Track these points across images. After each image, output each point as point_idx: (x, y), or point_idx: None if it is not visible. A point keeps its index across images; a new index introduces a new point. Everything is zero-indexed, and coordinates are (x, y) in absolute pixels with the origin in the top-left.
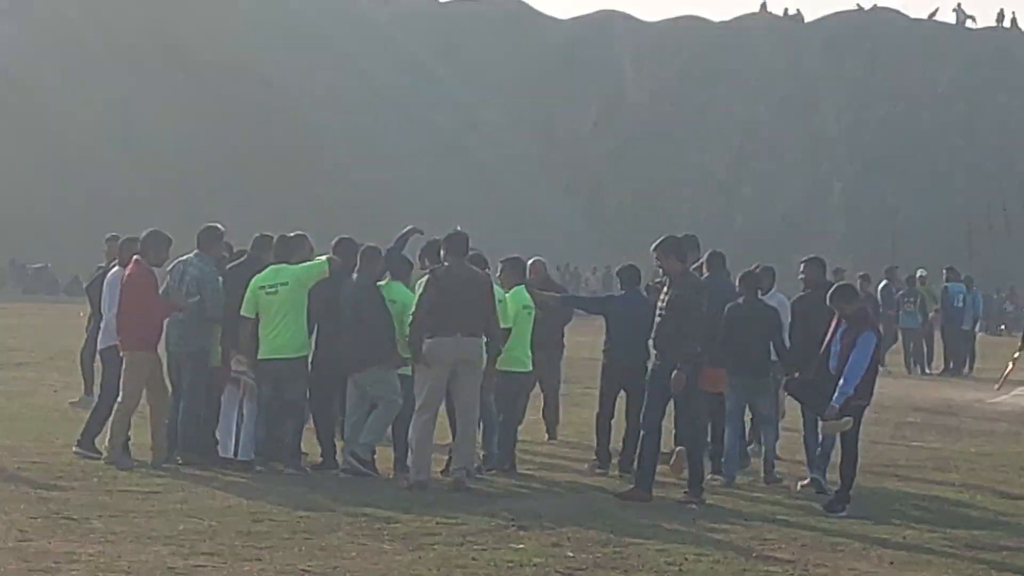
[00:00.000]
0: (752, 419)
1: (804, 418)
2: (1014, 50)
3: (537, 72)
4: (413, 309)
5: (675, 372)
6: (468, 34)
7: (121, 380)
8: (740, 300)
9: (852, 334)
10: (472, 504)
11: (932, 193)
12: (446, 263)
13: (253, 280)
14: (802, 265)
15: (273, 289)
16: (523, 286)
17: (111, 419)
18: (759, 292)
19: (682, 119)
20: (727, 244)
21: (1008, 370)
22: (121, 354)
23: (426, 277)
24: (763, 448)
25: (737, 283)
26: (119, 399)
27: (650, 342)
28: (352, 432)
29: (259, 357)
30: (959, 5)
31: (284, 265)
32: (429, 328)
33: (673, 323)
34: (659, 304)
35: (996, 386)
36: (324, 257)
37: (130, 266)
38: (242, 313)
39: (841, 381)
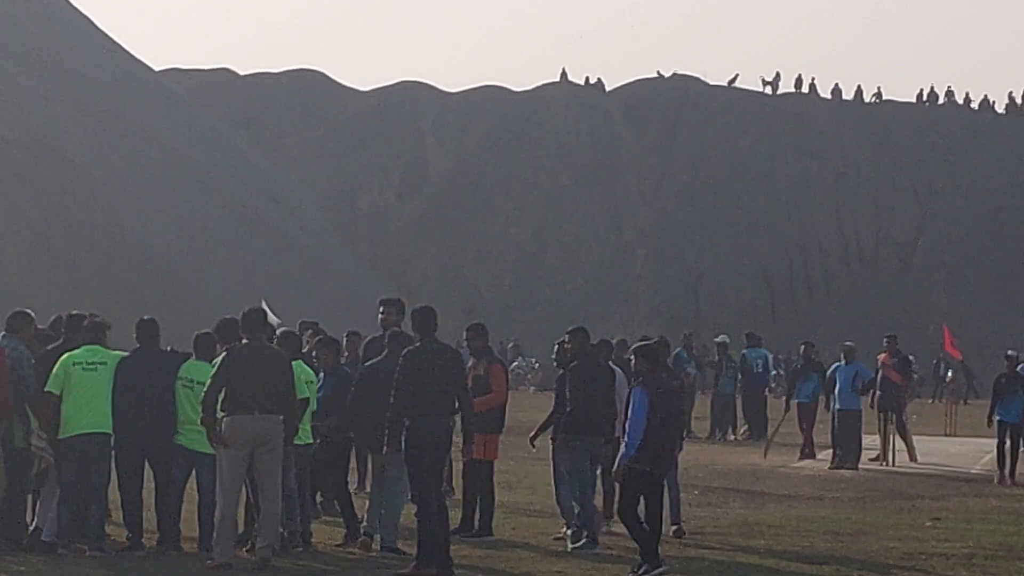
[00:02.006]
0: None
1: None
2: (812, 114)
3: (339, 143)
4: (205, 388)
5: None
6: (268, 106)
7: None
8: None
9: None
10: None
11: (734, 257)
12: (243, 340)
13: (65, 356)
14: (566, 336)
15: (92, 367)
16: (300, 360)
17: None
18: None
19: (485, 188)
20: (533, 312)
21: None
22: None
23: (222, 355)
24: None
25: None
26: None
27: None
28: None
29: (67, 434)
30: (777, 74)
31: (99, 347)
32: (226, 406)
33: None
34: None
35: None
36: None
37: None
38: (48, 389)
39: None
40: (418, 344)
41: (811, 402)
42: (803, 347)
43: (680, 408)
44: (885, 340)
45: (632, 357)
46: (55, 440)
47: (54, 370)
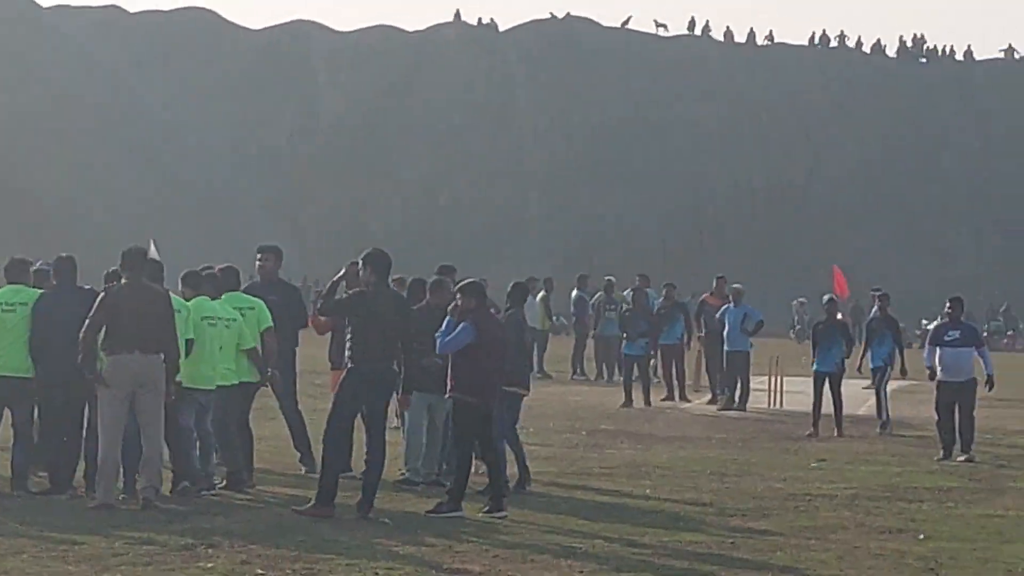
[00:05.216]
0: None
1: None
2: (705, 57)
3: (231, 83)
4: (84, 327)
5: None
6: (159, 44)
7: None
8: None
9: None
10: (161, 524)
11: (628, 199)
12: (123, 280)
13: None
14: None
15: (11, 308)
16: (206, 297)
17: None
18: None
19: (379, 129)
20: (427, 254)
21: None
22: None
23: (101, 294)
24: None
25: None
26: None
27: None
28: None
29: None
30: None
31: (23, 286)
32: (106, 346)
33: None
34: None
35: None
36: None
37: None
38: None
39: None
40: (369, 288)
41: (677, 344)
42: (665, 289)
43: (504, 344)
44: (715, 281)
45: (458, 294)
46: None
47: None
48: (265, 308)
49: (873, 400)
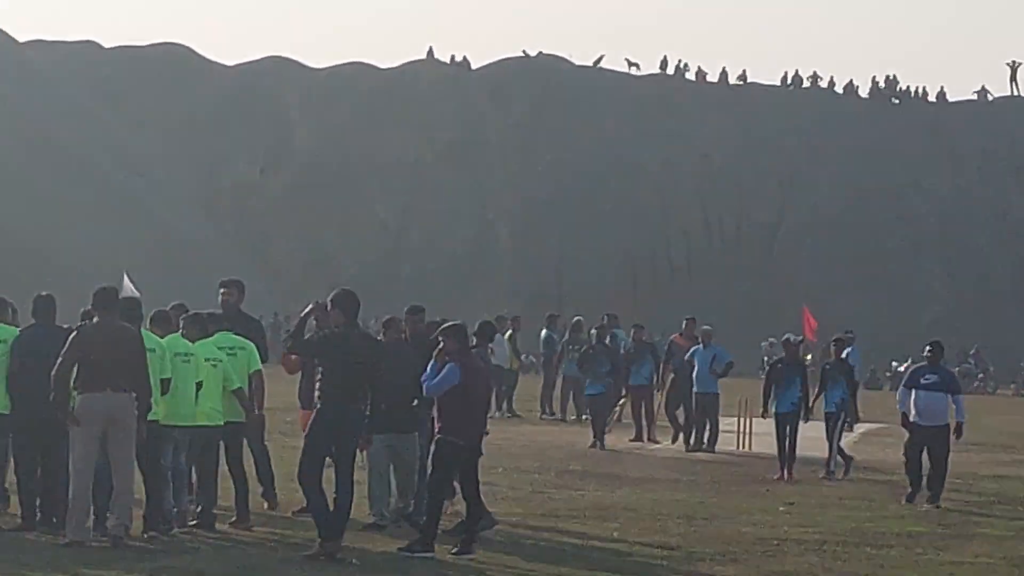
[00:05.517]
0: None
1: None
2: (677, 96)
3: (203, 118)
4: (56, 365)
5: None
6: (133, 79)
7: None
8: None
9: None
10: (130, 562)
11: (598, 238)
12: (95, 318)
13: None
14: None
15: None
16: (178, 335)
17: None
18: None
19: (350, 165)
20: (395, 290)
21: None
22: None
23: (73, 333)
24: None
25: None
26: None
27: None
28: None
29: None
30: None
31: (1, 325)
32: (78, 385)
33: None
34: None
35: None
36: None
37: None
38: None
39: None
40: (339, 328)
41: (646, 384)
42: (634, 329)
43: (488, 386)
44: (684, 322)
45: (441, 338)
46: None
47: None
48: (255, 350)
49: (842, 443)
